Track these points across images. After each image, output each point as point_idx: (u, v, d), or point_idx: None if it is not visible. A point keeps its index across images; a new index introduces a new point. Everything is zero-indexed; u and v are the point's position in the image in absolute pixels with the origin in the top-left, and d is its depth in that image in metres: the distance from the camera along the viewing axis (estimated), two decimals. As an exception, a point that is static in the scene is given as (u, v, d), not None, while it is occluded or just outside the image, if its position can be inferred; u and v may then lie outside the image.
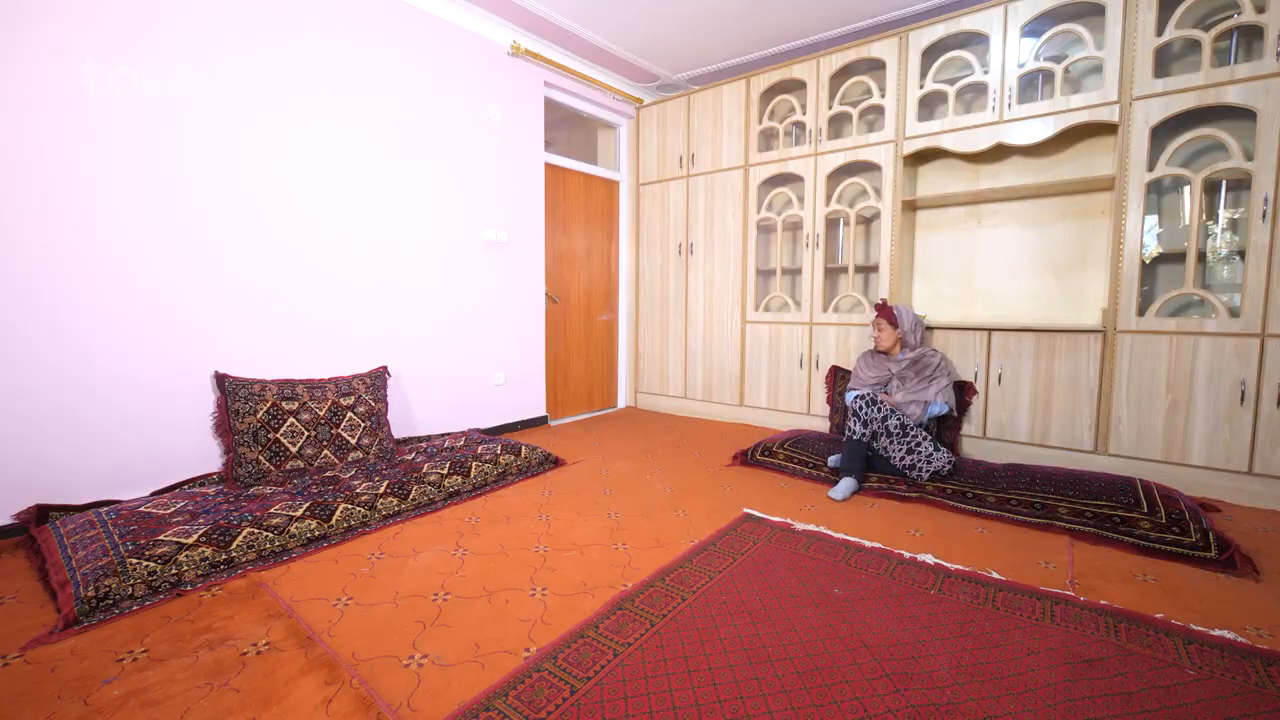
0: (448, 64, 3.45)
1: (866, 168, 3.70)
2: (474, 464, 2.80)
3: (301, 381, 2.82)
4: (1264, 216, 2.50)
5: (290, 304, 2.86)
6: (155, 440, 2.48)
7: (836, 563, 1.97)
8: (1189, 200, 2.79)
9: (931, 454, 2.71)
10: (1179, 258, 2.85)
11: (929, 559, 1.99)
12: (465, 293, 3.63)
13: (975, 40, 3.26)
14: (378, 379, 3.09)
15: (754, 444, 3.28)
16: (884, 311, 3.05)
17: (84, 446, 2.30)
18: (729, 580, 1.84)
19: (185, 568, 1.81)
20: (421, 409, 3.42)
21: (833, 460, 2.91)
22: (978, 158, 3.38)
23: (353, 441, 2.83)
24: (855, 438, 2.74)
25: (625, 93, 4.56)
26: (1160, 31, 2.70)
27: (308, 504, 2.23)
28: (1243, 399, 2.56)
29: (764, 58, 4.22)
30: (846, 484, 2.65)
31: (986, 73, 3.15)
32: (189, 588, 1.78)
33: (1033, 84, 3.18)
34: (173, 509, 2.16)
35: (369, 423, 2.92)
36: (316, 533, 2.13)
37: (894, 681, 1.35)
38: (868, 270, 3.84)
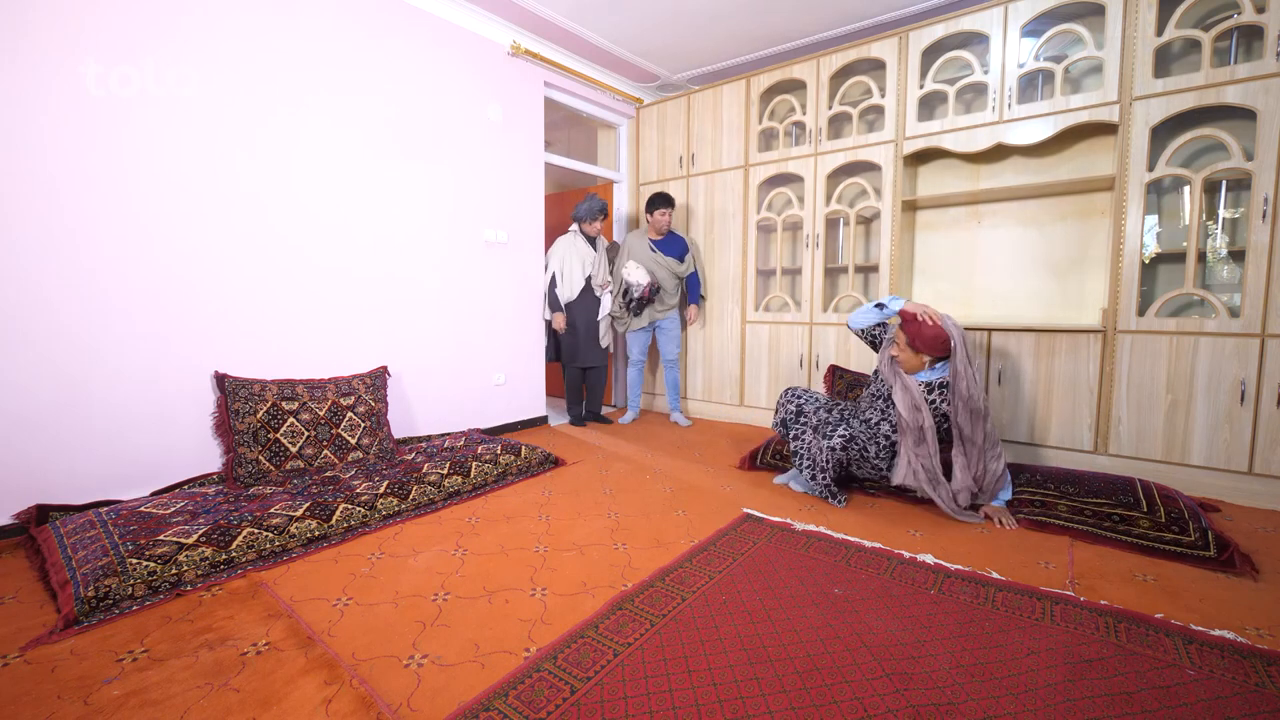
0: (448, 64, 3.45)
1: (866, 168, 3.70)
2: (474, 464, 2.80)
3: (301, 381, 2.81)
4: (1264, 216, 2.50)
5: (291, 303, 2.86)
6: (155, 440, 2.48)
7: (836, 563, 1.97)
8: (1189, 200, 2.79)
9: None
10: (1179, 258, 2.85)
11: (929, 559, 1.99)
12: (465, 293, 3.63)
13: (975, 40, 3.26)
14: (378, 379, 3.09)
15: (762, 444, 3.24)
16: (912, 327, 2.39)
17: (84, 446, 2.30)
18: (729, 580, 1.84)
19: (185, 568, 1.81)
20: (421, 409, 3.42)
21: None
22: (978, 158, 3.38)
23: (353, 441, 2.83)
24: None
25: (625, 93, 4.55)
26: (1160, 31, 2.70)
27: (308, 504, 2.23)
28: (1243, 399, 2.56)
29: (764, 58, 4.21)
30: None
31: (986, 73, 3.15)
32: (189, 588, 1.78)
33: (1033, 84, 3.18)
34: (173, 509, 2.16)
35: (369, 423, 2.92)
36: (316, 533, 2.13)
37: (894, 681, 1.35)
38: (868, 270, 3.84)
